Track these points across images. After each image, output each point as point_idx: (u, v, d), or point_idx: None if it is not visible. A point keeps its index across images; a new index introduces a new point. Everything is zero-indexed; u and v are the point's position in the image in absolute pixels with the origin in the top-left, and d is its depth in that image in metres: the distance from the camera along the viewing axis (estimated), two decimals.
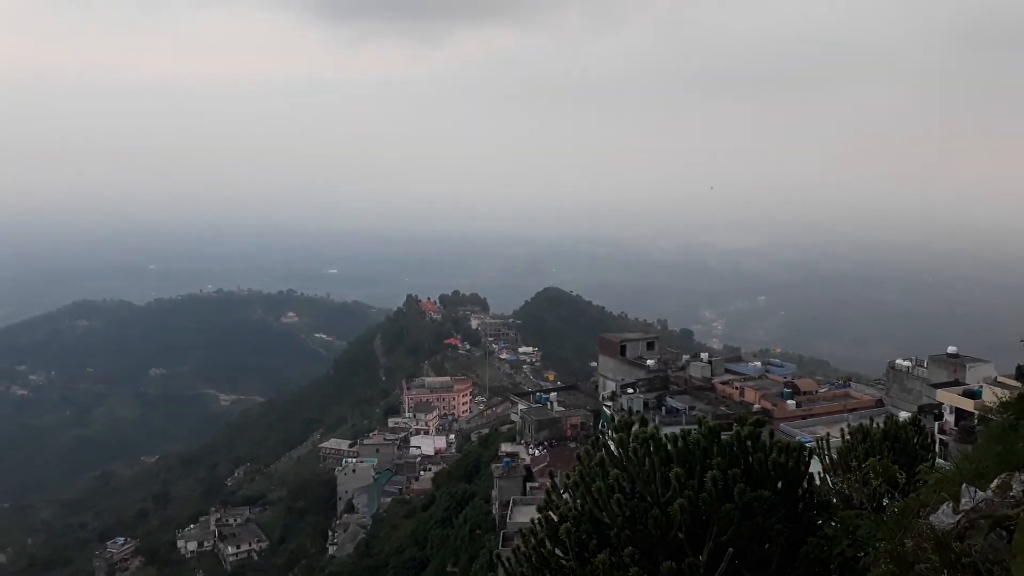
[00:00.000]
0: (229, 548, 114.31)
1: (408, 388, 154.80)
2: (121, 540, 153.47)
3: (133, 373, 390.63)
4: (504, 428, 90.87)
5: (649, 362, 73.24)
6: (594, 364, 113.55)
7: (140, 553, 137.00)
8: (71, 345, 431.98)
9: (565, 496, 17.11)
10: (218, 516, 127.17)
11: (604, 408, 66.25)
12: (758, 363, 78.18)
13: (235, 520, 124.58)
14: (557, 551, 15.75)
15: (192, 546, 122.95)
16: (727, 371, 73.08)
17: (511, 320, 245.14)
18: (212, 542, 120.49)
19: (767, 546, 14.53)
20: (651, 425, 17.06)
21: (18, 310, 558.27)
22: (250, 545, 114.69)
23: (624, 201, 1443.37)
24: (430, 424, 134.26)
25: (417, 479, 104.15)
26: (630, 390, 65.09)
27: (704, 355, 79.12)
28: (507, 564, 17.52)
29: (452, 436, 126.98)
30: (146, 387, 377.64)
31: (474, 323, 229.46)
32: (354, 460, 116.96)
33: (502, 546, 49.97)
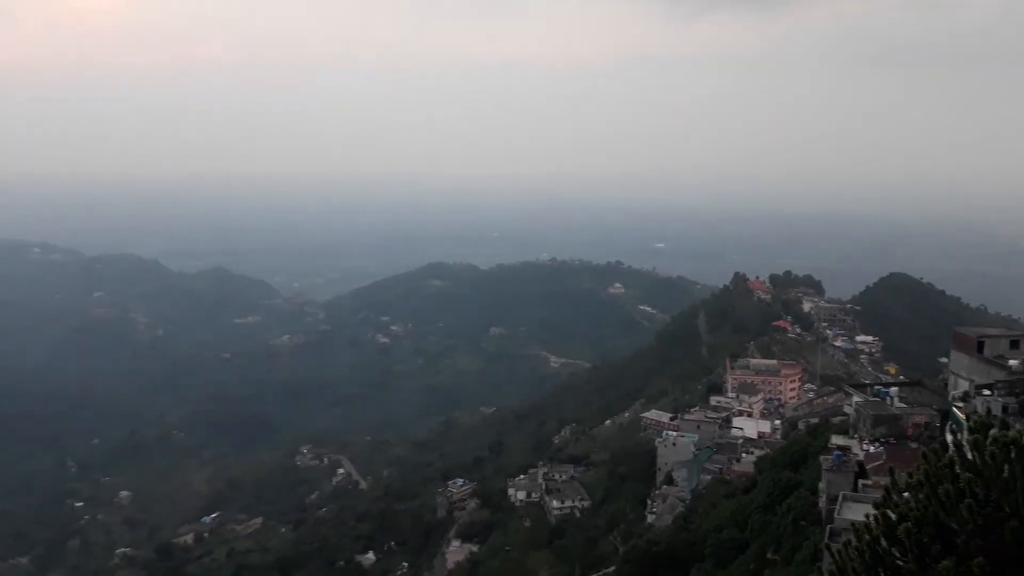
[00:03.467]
0: (554, 502, 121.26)
1: (732, 368, 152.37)
2: (460, 482, 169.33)
3: (476, 330, 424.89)
4: (835, 420, 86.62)
5: (1012, 362, 65.61)
6: (943, 360, 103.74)
7: (476, 496, 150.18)
8: (425, 301, 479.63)
9: (906, 496, 16.74)
10: (546, 471, 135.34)
11: (954, 409, 60.82)
12: None
13: (560, 476, 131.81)
14: (893, 550, 15.57)
15: (521, 495, 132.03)
16: None
17: (848, 306, 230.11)
18: (539, 494, 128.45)
19: None
20: (1013, 430, 16.10)
21: (385, 267, 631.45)
22: (573, 502, 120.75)
23: (994, 182, 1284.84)
24: (754, 407, 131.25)
25: (738, 461, 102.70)
26: (987, 392, 59.03)
27: None
28: (837, 557, 17.54)
29: (777, 421, 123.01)
30: (486, 344, 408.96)
31: (806, 306, 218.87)
32: (675, 434, 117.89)
33: (828, 540, 48.33)
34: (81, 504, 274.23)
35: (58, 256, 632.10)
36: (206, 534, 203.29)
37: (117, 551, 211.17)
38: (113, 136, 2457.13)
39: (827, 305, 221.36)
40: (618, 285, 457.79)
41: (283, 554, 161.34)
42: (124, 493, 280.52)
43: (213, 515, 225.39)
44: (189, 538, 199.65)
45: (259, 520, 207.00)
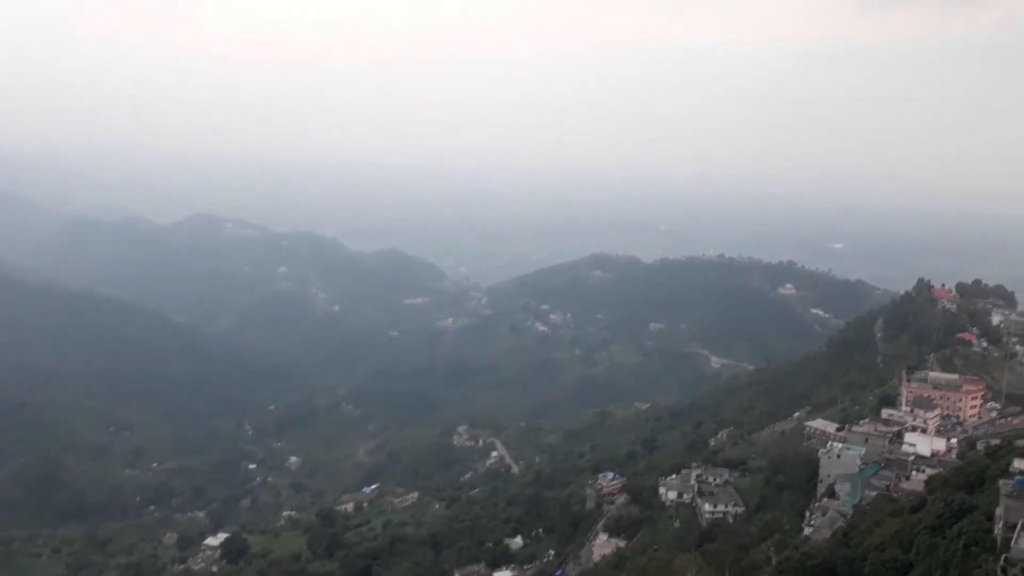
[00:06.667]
0: (707, 505, 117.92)
1: (908, 380, 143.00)
2: (611, 475, 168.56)
3: (635, 324, 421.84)
4: (1020, 442, 79.65)
5: None
6: None
7: (626, 491, 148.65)
8: (586, 292, 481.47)
9: None
10: (699, 473, 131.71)
11: None
12: None
13: (714, 479, 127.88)
14: None
15: (672, 495, 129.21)
16: None
17: None
18: (691, 496, 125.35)
19: None
20: None
21: (549, 256, 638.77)
22: (727, 507, 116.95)
23: None
24: (929, 423, 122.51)
25: (908, 478, 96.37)
26: None
27: None
28: None
29: (953, 440, 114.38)
30: (645, 339, 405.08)
31: (995, 319, 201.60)
32: (840, 445, 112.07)
33: (1001, 571, 44.78)
34: (254, 466, 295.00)
35: (248, 232, 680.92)
36: (366, 504, 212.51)
37: (284, 513, 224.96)
38: (301, 122, 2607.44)
39: (1019, 319, 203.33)
40: (789, 286, 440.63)
41: (436, 530, 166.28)
42: (293, 459, 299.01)
43: (373, 486, 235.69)
44: (350, 506, 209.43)
45: (415, 495, 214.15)
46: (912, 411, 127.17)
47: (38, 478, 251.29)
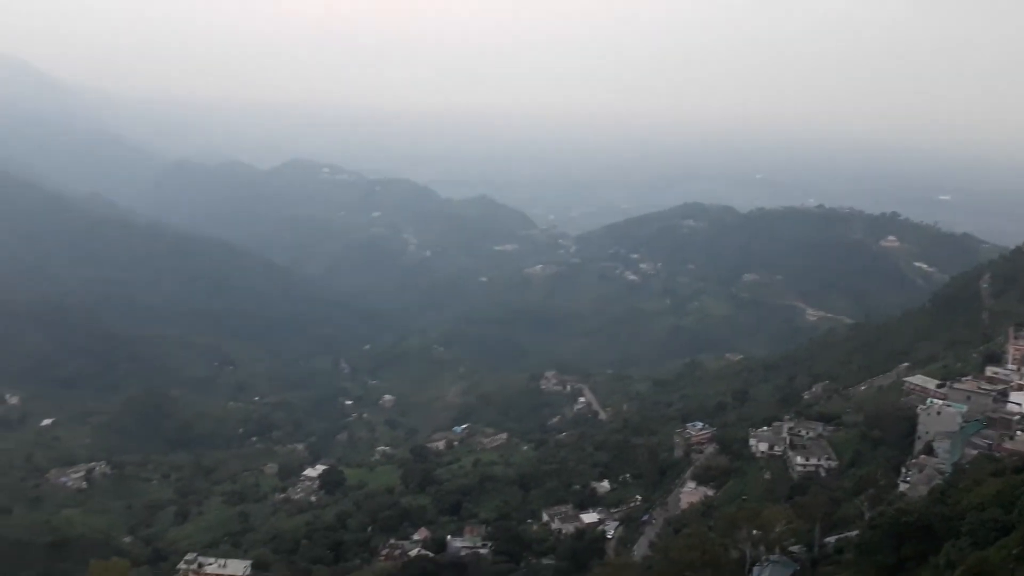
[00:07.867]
0: (798, 458, 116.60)
1: (1016, 338, 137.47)
2: (700, 425, 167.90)
3: (728, 275, 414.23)
4: None
5: None
6: None
7: (715, 441, 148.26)
8: (678, 242, 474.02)
9: None
10: (791, 425, 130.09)
11: None
12: None
13: (807, 433, 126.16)
14: None
15: (763, 447, 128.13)
16: None
17: None
18: (782, 449, 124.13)
19: None
20: None
21: (640, 204, 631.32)
22: (819, 460, 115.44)
23: None
24: None
25: (1012, 438, 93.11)
26: None
27: None
28: None
29: None
30: (738, 290, 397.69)
31: None
32: (940, 402, 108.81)
33: None
34: (351, 403, 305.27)
35: (344, 177, 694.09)
36: (456, 443, 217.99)
37: (378, 448, 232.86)
38: (396, 70, 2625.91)
39: None
40: (892, 238, 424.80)
41: (524, 470, 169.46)
42: (388, 397, 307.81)
43: (463, 426, 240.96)
44: (441, 444, 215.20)
45: (504, 435, 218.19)
46: (1019, 369, 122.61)
47: (148, 408, 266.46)
